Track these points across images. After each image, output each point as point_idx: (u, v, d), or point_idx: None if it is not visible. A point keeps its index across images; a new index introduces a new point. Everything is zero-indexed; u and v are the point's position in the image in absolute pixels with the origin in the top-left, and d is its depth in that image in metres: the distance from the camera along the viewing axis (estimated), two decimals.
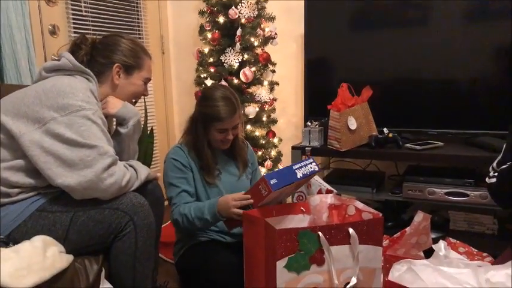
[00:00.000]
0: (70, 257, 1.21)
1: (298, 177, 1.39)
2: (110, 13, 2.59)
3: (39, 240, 1.17)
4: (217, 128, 1.62)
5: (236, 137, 1.73)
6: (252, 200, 1.41)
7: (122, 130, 1.49)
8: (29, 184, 1.26)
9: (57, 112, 1.23)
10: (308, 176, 1.44)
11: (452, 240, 1.62)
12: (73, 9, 2.36)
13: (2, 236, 1.22)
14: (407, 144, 2.11)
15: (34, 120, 1.23)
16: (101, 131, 1.27)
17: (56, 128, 1.21)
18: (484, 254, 1.57)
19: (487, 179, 1.46)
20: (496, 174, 1.40)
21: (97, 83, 1.39)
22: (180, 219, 1.57)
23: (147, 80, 1.53)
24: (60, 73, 1.35)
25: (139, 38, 2.83)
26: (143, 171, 1.42)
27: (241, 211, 1.41)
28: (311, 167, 1.44)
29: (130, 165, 1.38)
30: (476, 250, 1.59)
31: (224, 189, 1.67)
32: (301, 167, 1.42)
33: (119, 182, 1.26)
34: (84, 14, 2.42)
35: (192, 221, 1.54)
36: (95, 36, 1.48)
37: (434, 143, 2.12)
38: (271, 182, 1.32)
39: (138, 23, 2.83)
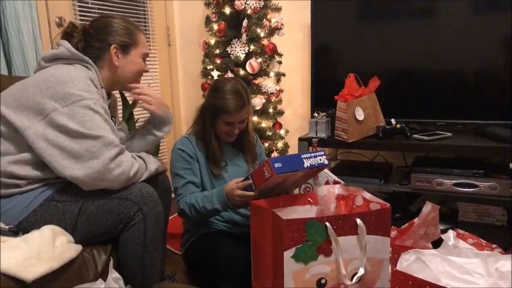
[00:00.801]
0: (79, 247, 1.22)
1: (305, 166, 1.36)
2: (116, 5, 2.59)
3: (48, 229, 1.18)
4: (224, 121, 1.62)
5: (246, 130, 1.73)
6: (250, 181, 1.40)
7: (158, 133, 1.54)
8: (37, 176, 1.26)
9: (58, 102, 1.21)
10: (316, 168, 1.40)
11: (461, 231, 1.61)
12: (79, 1, 2.36)
13: (11, 226, 1.23)
14: (415, 135, 2.10)
15: (36, 111, 1.23)
16: (104, 121, 1.26)
17: (59, 119, 1.21)
18: (494, 246, 1.56)
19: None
20: None
21: (97, 70, 1.37)
22: (188, 209, 1.57)
23: (145, 56, 1.49)
24: (59, 62, 1.33)
25: (146, 30, 2.83)
26: (153, 163, 1.42)
27: (243, 192, 1.42)
28: (320, 160, 1.40)
29: (139, 156, 1.38)
30: (485, 241, 1.58)
31: (230, 180, 1.67)
32: (309, 157, 1.39)
33: (127, 172, 1.26)
34: (90, 6, 2.42)
35: (200, 210, 1.55)
36: (83, 23, 1.46)
37: (443, 134, 2.10)
38: (275, 166, 1.29)
39: (144, 14, 2.82)
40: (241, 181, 1.45)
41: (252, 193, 1.42)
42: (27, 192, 1.26)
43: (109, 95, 1.49)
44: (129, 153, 1.32)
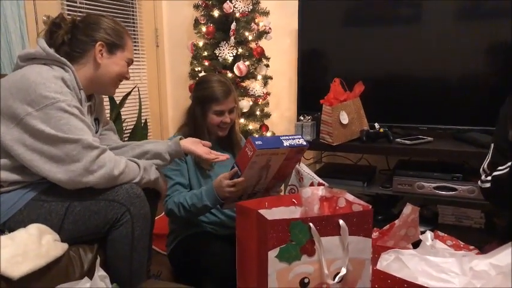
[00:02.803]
0: (65, 246, 1.22)
1: (285, 145, 1.40)
2: (105, 5, 2.59)
3: (34, 228, 1.18)
4: (215, 110, 1.65)
5: (233, 129, 1.76)
6: (236, 169, 1.43)
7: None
8: (17, 180, 1.26)
9: (31, 106, 1.19)
10: (295, 148, 1.44)
11: (440, 233, 1.64)
12: (67, 0, 2.35)
13: None
14: (398, 139, 2.15)
15: (9, 116, 1.21)
16: (81, 122, 1.25)
17: (34, 123, 1.19)
18: (471, 247, 1.59)
19: (480, 183, 1.47)
20: (489, 178, 1.41)
21: (74, 71, 1.33)
22: (176, 209, 1.58)
23: (129, 61, 1.46)
24: (35, 62, 1.29)
25: (134, 31, 2.83)
26: (152, 172, 1.39)
27: (231, 181, 1.44)
28: (299, 141, 1.45)
29: (135, 161, 1.36)
30: (463, 243, 1.61)
31: None
32: (288, 139, 1.44)
33: (110, 172, 1.25)
34: (78, 5, 2.42)
35: (189, 208, 1.56)
36: (75, 16, 1.42)
37: (424, 138, 2.16)
38: (256, 143, 1.34)
39: (133, 15, 2.82)
40: (228, 173, 1.48)
41: (240, 179, 1.43)
42: (13, 191, 1.26)
43: (91, 97, 1.47)
44: (111, 152, 1.30)
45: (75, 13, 2.39)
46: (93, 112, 1.47)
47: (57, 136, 1.19)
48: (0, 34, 1.86)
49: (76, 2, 2.40)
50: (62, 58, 1.32)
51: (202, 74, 2.50)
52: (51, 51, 1.30)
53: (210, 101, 1.65)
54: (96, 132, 1.49)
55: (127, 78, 1.48)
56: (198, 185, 1.68)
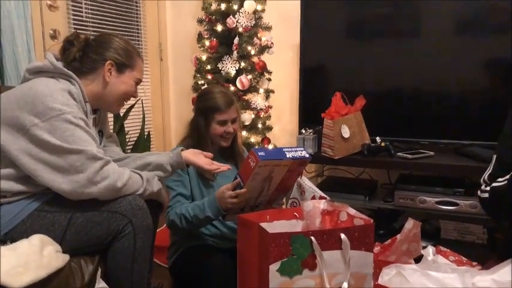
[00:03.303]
0: (66, 257, 1.22)
1: (288, 157, 1.42)
2: (110, 19, 2.62)
3: (36, 238, 1.18)
4: (218, 120, 1.67)
5: (236, 140, 1.78)
6: (239, 180, 1.45)
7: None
8: (21, 190, 1.26)
9: (37, 117, 1.21)
10: (298, 160, 1.45)
11: (443, 248, 1.64)
12: (74, 15, 2.38)
13: None
14: (399, 153, 2.15)
15: (16, 127, 1.23)
16: (86, 133, 1.26)
17: (39, 134, 1.21)
18: (474, 263, 1.59)
19: (479, 193, 1.47)
20: (488, 189, 1.42)
21: (81, 84, 1.35)
22: (178, 220, 1.58)
23: (138, 81, 1.50)
24: (42, 75, 1.33)
25: (138, 44, 2.86)
26: (155, 184, 1.40)
27: (233, 192, 1.45)
28: (301, 153, 1.47)
29: (138, 173, 1.37)
30: (466, 259, 1.61)
31: None
32: (291, 151, 1.45)
33: (114, 183, 1.26)
34: (84, 19, 2.45)
35: (191, 220, 1.56)
36: (87, 34, 1.47)
37: (426, 153, 2.16)
38: (259, 154, 1.36)
39: (138, 29, 2.86)
40: (231, 184, 1.49)
41: (243, 190, 1.44)
42: (16, 201, 1.26)
43: (96, 110, 1.49)
44: (115, 164, 1.31)
45: (82, 27, 2.42)
46: (97, 124, 1.49)
47: (62, 147, 1.21)
48: (5, 47, 1.88)
49: (82, 17, 2.43)
50: (69, 71, 1.34)
51: (205, 87, 2.51)
52: (59, 64, 1.33)
53: (213, 111, 1.67)
54: (100, 144, 1.50)
55: (134, 97, 1.52)
56: (200, 196, 1.68)
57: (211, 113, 1.67)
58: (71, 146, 1.21)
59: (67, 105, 1.25)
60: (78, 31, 1.47)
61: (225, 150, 1.76)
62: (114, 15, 2.65)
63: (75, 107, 1.28)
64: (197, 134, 1.71)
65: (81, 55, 1.40)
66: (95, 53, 1.41)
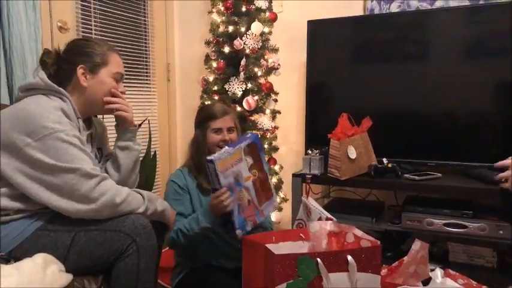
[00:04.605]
0: (69, 276, 1.21)
1: (236, 147, 1.51)
2: (120, 41, 2.67)
3: (40, 257, 1.18)
4: (213, 128, 1.69)
5: None
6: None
7: (137, 146, 1.54)
8: (22, 208, 1.27)
9: (30, 137, 1.22)
10: (248, 145, 1.56)
11: (451, 272, 1.60)
12: (84, 35, 2.43)
13: (2, 253, 1.23)
14: (406, 175, 2.14)
15: (10, 147, 1.23)
16: (80, 151, 1.26)
17: (33, 154, 1.21)
18: (484, 287, 1.57)
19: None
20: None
21: (72, 101, 1.35)
22: (175, 235, 1.58)
23: (117, 75, 1.46)
24: (34, 92, 1.33)
25: (146, 65, 2.91)
26: (159, 204, 1.39)
27: (215, 194, 1.50)
28: (246, 138, 1.59)
29: (138, 191, 1.36)
30: (475, 283, 1.56)
31: None
32: (240, 141, 1.57)
33: (112, 199, 1.25)
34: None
35: (188, 233, 1.56)
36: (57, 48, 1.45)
37: (433, 174, 2.14)
38: (213, 156, 1.46)
39: (146, 50, 2.91)
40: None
41: (222, 189, 1.47)
42: (19, 219, 1.26)
43: (91, 125, 1.49)
44: (112, 181, 1.31)
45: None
46: (94, 141, 1.49)
47: (55, 166, 1.21)
48: (13, 38, 1.86)
49: (91, 34, 2.47)
50: (60, 88, 1.35)
51: None
52: (49, 81, 1.34)
53: (208, 119, 1.70)
54: (99, 162, 1.51)
55: (122, 92, 1.48)
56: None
57: (207, 122, 1.70)
58: (64, 165, 1.21)
59: (59, 123, 1.25)
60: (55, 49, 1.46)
61: None
62: (123, 37, 2.70)
63: (68, 124, 1.28)
64: (196, 150, 1.73)
65: (56, 69, 1.41)
66: (67, 62, 1.40)
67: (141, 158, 2.45)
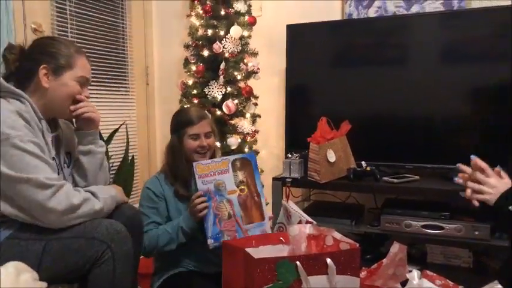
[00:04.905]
0: (44, 284, 1.17)
1: (224, 158, 1.60)
2: (97, 44, 2.63)
3: (12, 266, 1.13)
4: (190, 134, 1.66)
5: (214, 157, 1.77)
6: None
7: (100, 149, 1.49)
8: None
9: None
10: (240, 157, 1.63)
11: (429, 273, 1.61)
12: (59, 34, 2.36)
13: None
14: (385, 178, 2.16)
15: None
16: (35, 158, 1.21)
17: None
18: (460, 287, 1.59)
19: None
20: None
21: (31, 102, 1.29)
22: (147, 241, 1.57)
23: (82, 79, 1.39)
24: None
25: (124, 68, 2.87)
26: (104, 191, 1.35)
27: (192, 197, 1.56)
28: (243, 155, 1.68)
29: (87, 190, 1.32)
30: (452, 283, 1.58)
31: None
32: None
33: (69, 203, 1.21)
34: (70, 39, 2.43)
35: (160, 235, 1.60)
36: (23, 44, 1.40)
37: (411, 177, 2.17)
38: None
39: (124, 53, 2.87)
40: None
41: (197, 193, 1.54)
42: None
43: (57, 127, 1.44)
44: (69, 186, 1.26)
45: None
46: (60, 144, 1.44)
47: (8, 175, 1.17)
48: None
49: (68, 36, 2.42)
50: (17, 90, 1.29)
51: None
52: (5, 83, 1.28)
53: (185, 125, 1.67)
54: (68, 166, 1.47)
55: (87, 97, 1.43)
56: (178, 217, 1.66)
57: (183, 128, 1.67)
58: (17, 175, 1.17)
59: (13, 128, 1.19)
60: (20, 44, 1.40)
61: None
62: (100, 41, 2.65)
63: (23, 128, 1.22)
64: (172, 156, 1.70)
65: (18, 66, 1.35)
66: (29, 60, 1.34)
67: (116, 164, 2.45)
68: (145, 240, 1.55)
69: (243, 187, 1.61)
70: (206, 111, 1.79)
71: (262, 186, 1.67)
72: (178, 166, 1.65)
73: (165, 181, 1.70)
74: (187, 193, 1.67)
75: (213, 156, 1.75)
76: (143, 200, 1.67)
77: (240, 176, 1.60)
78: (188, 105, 1.75)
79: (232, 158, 1.60)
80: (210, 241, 1.54)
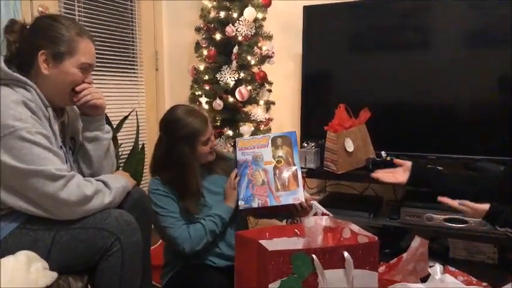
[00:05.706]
0: (54, 274, 1.18)
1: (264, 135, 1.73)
2: (105, 27, 2.59)
3: (23, 255, 1.15)
4: (202, 141, 1.62)
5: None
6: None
7: (107, 135, 1.45)
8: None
9: None
10: (281, 135, 1.72)
11: (451, 268, 1.60)
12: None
13: None
14: None
15: None
16: (44, 149, 1.19)
17: None
18: (484, 284, 1.56)
19: None
20: None
21: (37, 90, 1.24)
22: (193, 234, 1.57)
23: (84, 65, 1.31)
24: None
25: (133, 53, 2.83)
26: (116, 181, 1.32)
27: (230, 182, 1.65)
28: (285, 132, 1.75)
29: (99, 180, 1.29)
30: (475, 279, 1.57)
31: (213, 206, 1.66)
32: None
33: (82, 194, 1.20)
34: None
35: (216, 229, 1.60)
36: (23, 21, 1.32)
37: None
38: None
39: (133, 37, 2.83)
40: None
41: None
42: None
43: (63, 112, 1.39)
44: (80, 177, 1.24)
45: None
46: (66, 130, 1.42)
47: (19, 169, 1.15)
48: None
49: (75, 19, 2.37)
50: (23, 78, 1.24)
51: (203, 98, 2.48)
52: (9, 71, 1.23)
53: (196, 135, 1.61)
54: (73, 152, 1.43)
55: (89, 83, 1.35)
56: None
57: (195, 138, 1.61)
58: (27, 167, 1.15)
59: (20, 120, 1.16)
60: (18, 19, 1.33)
61: (208, 162, 1.71)
62: (108, 25, 2.61)
63: (30, 119, 1.19)
64: (182, 171, 1.61)
65: (18, 48, 1.28)
66: (28, 43, 1.27)
67: (126, 152, 2.41)
68: (192, 232, 1.56)
69: (280, 159, 1.68)
70: (197, 107, 1.82)
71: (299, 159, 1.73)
72: (190, 179, 1.61)
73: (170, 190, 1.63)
74: (196, 210, 1.62)
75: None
76: (156, 201, 1.60)
77: (279, 151, 1.68)
78: (177, 109, 1.64)
79: (272, 135, 1.71)
80: (240, 202, 1.61)
